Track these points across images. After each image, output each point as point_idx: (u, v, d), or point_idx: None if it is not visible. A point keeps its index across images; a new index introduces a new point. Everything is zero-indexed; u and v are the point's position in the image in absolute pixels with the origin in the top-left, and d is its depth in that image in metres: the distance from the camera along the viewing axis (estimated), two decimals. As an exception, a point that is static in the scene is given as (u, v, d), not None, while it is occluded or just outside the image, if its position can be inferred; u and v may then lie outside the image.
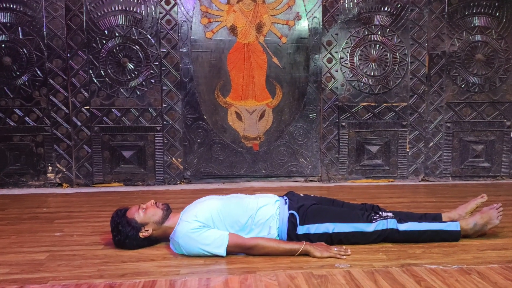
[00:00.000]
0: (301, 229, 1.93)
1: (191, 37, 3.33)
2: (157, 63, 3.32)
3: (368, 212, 2.01)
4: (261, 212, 1.93)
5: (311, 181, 3.49)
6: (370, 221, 1.96)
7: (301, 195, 2.13)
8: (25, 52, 3.22)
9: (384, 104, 3.45)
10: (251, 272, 1.66)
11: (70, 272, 1.69)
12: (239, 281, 1.59)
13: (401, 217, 2.01)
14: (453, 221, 2.04)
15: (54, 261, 1.80)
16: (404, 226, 1.95)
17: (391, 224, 1.94)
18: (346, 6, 3.37)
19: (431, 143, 3.50)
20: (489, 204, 2.02)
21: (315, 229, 1.93)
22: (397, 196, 2.96)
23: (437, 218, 2.08)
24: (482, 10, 3.41)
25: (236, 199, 2.00)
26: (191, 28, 3.32)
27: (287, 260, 1.78)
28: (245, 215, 1.92)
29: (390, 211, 2.02)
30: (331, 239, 1.93)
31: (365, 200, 2.80)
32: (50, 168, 3.32)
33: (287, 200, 2.01)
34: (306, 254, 1.84)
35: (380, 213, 2.00)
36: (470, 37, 3.44)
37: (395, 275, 1.62)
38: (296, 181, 3.48)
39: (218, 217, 1.89)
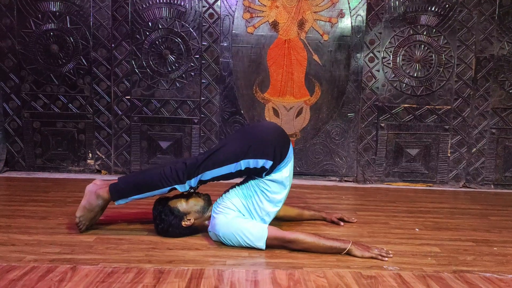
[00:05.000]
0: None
1: (233, 31, 3.33)
2: (197, 56, 3.35)
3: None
4: (258, 183, 1.94)
5: (346, 181, 3.44)
6: None
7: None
8: (72, 40, 3.31)
9: (427, 106, 3.36)
10: (298, 268, 1.64)
11: (119, 255, 1.71)
12: (286, 275, 1.57)
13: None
14: None
15: (102, 244, 1.84)
16: None
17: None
18: (392, 5, 3.29)
19: (474, 149, 3.38)
20: None
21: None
22: (438, 201, 2.87)
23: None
24: (536, 13, 3.27)
25: (245, 185, 1.98)
26: (233, 23, 3.32)
27: (333, 258, 1.75)
28: (257, 194, 1.93)
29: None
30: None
31: (404, 204, 2.75)
32: (90, 154, 3.40)
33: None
34: (347, 253, 1.81)
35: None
36: (522, 41, 3.30)
37: (448, 281, 1.57)
38: (330, 180, 3.43)
39: (247, 205, 1.92)
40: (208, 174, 1.90)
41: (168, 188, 1.91)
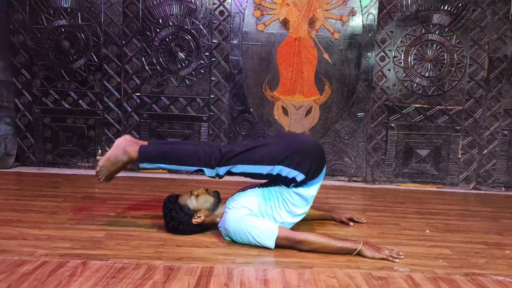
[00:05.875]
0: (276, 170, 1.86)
1: (243, 29, 3.32)
2: (207, 53, 3.34)
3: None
4: (283, 191, 1.91)
5: (355, 181, 3.42)
6: None
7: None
8: (83, 37, 3.32)
9: (438, 106, 3.32)
10: (308, 267, 1.64)
11: (129, 251, 1.72)
12: (296, 275, 1.57)
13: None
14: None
15: (112, 239, 1.84)
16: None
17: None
18: (404, 3, 3.25)
19: (485, 151, 3.34)
20: None
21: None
22: (448, 203, 2.84)
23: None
24: (551, 13, 3.21)
25: (268, 188, 1.96)
26: (243, 20, 3.31)
27: (343, 259, 1.74)
28: (277, 200, 1.91)
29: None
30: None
31: (414, 205, 2.73)
32: (99, 151, 3.42)
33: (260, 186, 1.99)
34: (358, 253, 1.79)
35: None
36: (536, 41, 3.24)
37: (460, 284, 1.55)
38: (339, 180, 3.41)
39: (263, 205, 1.89)
40: (239, 168, 1.87)
41: (195, 168, 1.89)
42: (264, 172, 1.86)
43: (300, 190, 1.88)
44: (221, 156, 1.85)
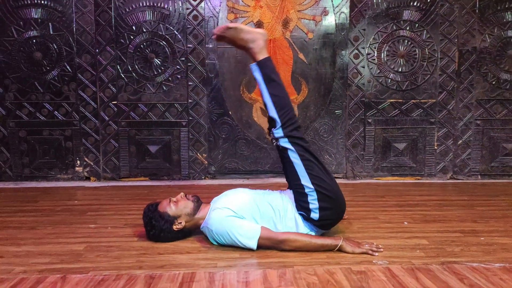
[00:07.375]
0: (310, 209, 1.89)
1: (217, 32, 3.32)
2: (183, 58, 3.34)
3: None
4: (287, 208, 1.93)
5: (336, 177, 3.46)
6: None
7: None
8: (55, 47, 3.27)
9: (412, 100, 3.40)
10: (289, 267, 1.66)
11: (109, 262, 1.71)
12: (277, 275, 1.58)
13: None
14: None
15: (92, 252, 1.83)
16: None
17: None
18: (375, 1, 3.32)
19: (460, 141, 3.43)
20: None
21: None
22: (427, 194, 2.91)
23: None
24: (515, 5, 3.32)
25: (263, 194, 2.00)
26: (217, 24, 3.32)
27: (323, 255, 1.77)
28: (272, 210, 1.92)
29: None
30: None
31: (393, 198, 2.79)
32: (78, 162, 3.37)
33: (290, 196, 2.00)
34: (339, 249, 1.83)
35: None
36: (502, 33, 3.35)
37: (436, 273, 1.59)
38: (321, 178, 3.45)
39: (249, 209, 1.89)
40: (294, 156, 1.89)
41: (276, 116, 1.89)
42: (301, 182, 1.89)
43: (301, 221, 1.91)
44: (298, 134, 1.91)
